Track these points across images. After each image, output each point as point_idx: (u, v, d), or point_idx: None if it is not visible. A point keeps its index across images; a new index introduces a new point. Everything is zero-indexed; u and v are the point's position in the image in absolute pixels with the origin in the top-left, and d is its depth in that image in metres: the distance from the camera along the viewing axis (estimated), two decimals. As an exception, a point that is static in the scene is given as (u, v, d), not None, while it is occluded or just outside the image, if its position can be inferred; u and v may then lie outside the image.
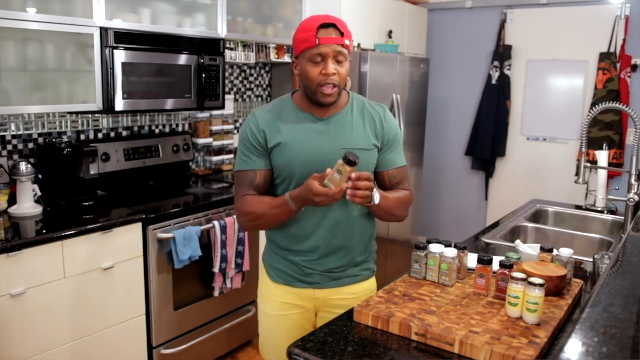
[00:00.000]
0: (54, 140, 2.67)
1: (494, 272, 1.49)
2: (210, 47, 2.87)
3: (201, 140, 3.31)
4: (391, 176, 1.64)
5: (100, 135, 2.89)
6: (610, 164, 3.30)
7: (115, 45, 2.44)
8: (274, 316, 1.67)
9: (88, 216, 2.32)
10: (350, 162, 1.36)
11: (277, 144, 1.55)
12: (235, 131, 3.60)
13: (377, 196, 1.48)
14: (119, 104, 2.50)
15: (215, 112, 3.35)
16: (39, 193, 2.35)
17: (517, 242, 1.85)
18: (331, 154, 1.52)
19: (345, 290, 1.65)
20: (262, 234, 2.90)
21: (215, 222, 2.61)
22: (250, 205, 1.56)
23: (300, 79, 1.55)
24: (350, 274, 1.65)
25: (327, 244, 1.59)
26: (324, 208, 1.55)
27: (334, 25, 1.48)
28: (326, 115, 1.57)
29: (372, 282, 1.72)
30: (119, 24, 2.47)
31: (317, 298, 1.64)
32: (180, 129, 3.30)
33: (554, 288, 1.43)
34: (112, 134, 2.95)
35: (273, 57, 3.33)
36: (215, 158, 3.42)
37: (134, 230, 2.36)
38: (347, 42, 1.49)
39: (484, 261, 1.45)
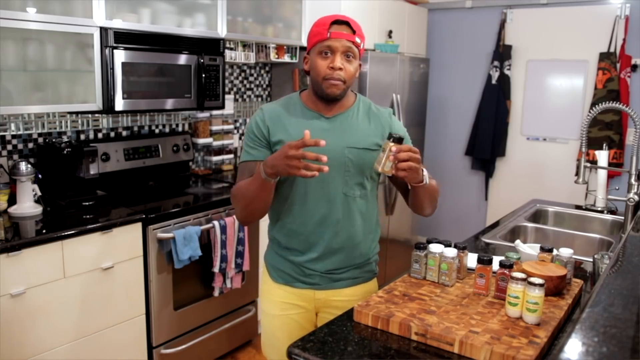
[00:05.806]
0: (54, 140, 2.67)
1: (494, 272, 1.49)
2: (210, 47, 2.87)
3: (201, 140, 3.31)
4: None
5: (100, 135, 2.89)
6: (610, 164, 3.30)
7: (115, 45, 2.44)
8: (275, 316, 1.67)
9: (88, 216, 2.32)
10: (390, 136, 1.39)
11: (280, 140, 1.54)
12: (235, 131, 3.61)
13: (427, 173, 1.49)
14: (119, 104, 2.50)
15: (215, 112, 3.35)
16: (39, 193, 2.35)
17: (517, 242, 1.85)
18: (336, 152, 1.52)
19: (345, 292, 1.64)
20: (263, 234, 2.90)
21: (215, 222, 2.61)
22: (237, 189, 1.57)
23: (310, 74, 1.56)
24: (351, 276, 1.64)
25: (328, 244, 1.58)
26: (326, 206, 1.55)
27: (347, 23, 1.51)
28: (332, 114, 1.58)
29: (373, 284, 1.72)
30: (119, 24, 2.47)
31: (318, 299, 1.64)
32: (180, 129, 3.30)
33: (554, 288, 1.43)
34: (112, 134, 2.95)
35: (273, 57, 3.34)
36: (215, 158, 3.43)
37: (134, 230, 2.36)
38: (357, 40, 1.52)
39: (484, 261, 1.45)
